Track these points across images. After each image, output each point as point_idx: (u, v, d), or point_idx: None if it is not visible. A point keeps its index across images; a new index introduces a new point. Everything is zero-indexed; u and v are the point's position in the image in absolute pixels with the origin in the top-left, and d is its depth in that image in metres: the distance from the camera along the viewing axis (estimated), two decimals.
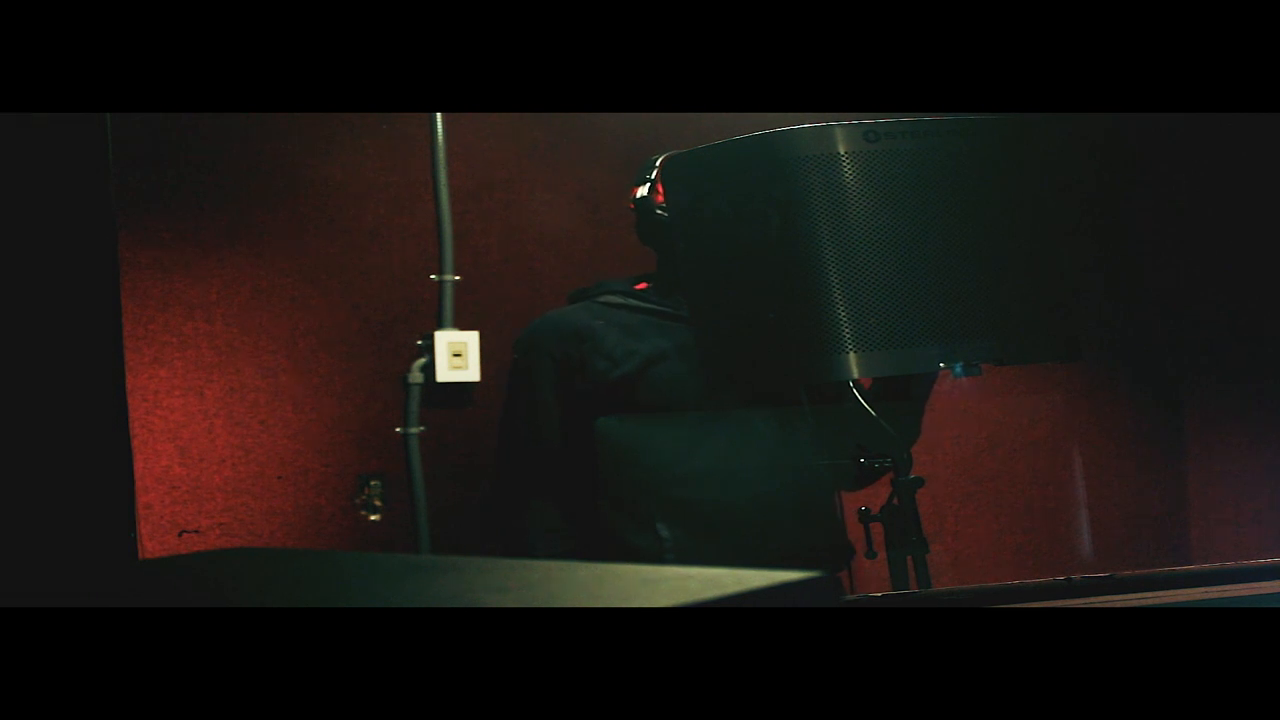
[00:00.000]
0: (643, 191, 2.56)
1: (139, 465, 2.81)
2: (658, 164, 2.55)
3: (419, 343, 3.09)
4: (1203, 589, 1.88)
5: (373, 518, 3.05)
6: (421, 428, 3.07)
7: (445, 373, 3.07)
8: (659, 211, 2.51)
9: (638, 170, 2.59)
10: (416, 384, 3.07)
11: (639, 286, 2.64)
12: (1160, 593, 1.86)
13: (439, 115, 3.09)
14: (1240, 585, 1.90)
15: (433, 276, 3.10)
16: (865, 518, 2.24)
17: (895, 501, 2.20)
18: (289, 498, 2.98)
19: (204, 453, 2.90)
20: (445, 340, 3.07)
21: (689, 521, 2.47)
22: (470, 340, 3.09)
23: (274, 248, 2.99)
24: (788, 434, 2.51)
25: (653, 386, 2.50)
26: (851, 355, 2.02)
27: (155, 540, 2.84)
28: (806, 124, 2.08)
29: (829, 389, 2.34)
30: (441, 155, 3.09)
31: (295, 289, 3.00)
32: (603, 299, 2.61)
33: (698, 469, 2.51)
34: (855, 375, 2.05)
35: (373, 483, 3.06)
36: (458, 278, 3.11)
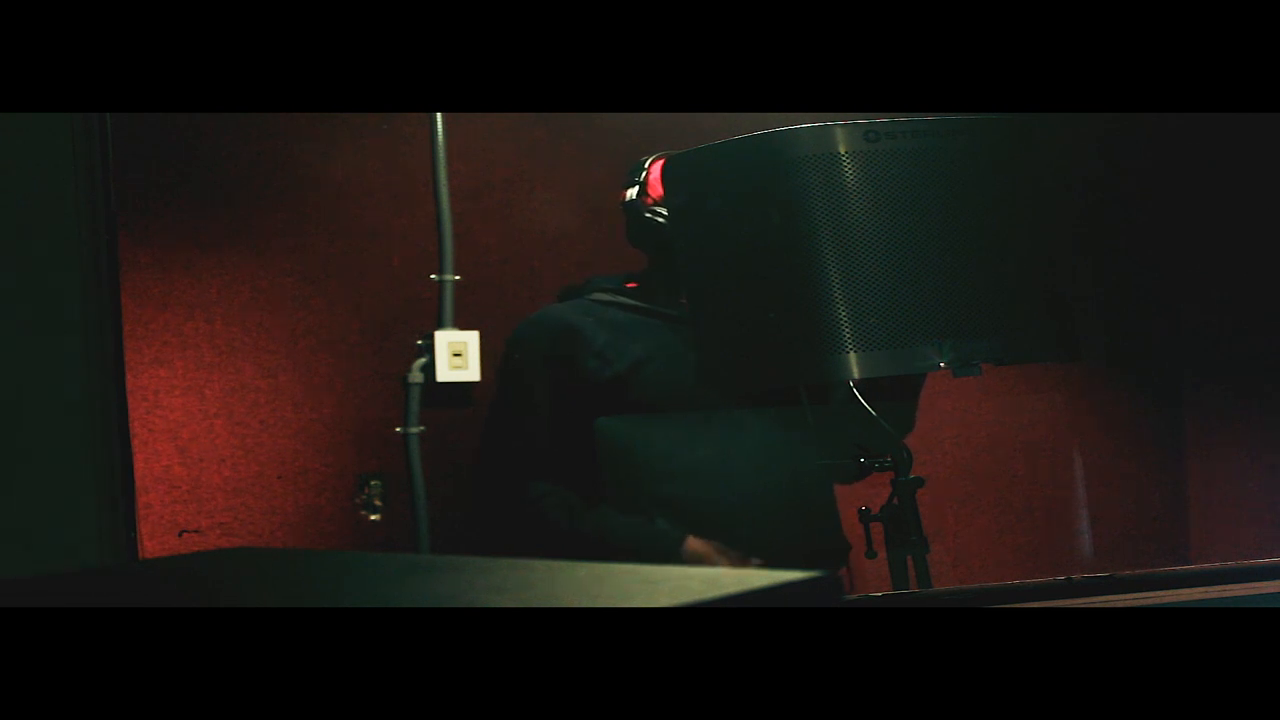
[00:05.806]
0: (632, 194, 2.56)
1: (139, 465, 2.81)
2: (648, 165, 2.55)
3: (419, 343, 3.09)
4: (1203, 589, 1.89)
5: (373, 518, 3.05)
6: (421, 428, 3.07)
7: (445, 373, 3.07)
8: (647, 214, 2.51)
9: (628, 172, 2.60)
10: (416, 384, 3.07)
11: (629, 285, 2.64)
12: (1160, 593, 1.86)
13: (439, 115, 3.09)
14: (1240, 585, 1.90)
15: (433, 276, 3.09)
16: (865, 517, 2.24)
17: (895, 501, 2.19)
18: (289, 498, 2.98)
19: (204, 453, 2.90)
20: (445, 340, 3.07)
21: (686, 519, 2.47)
22: (470, 340, 3.09)
23: (274, 248, 2.99)
24: (786, 432, 2.51)
25: (643, 386, 2.50)
26: (851, 355, 2.02)
27: (155, 540, 2.84)
28: (806, 124, 2.08)
29: (828, 387, 2.34)
30: (441, 155, 3.09)
31: (295, 289, 3.00)
32: (593, 296, 2.61)
33: (694, 467, 2.51)
34: (855, 375, 2.05)
35: (373, 483, 3.06)
36: (458, 278, 3.11)
